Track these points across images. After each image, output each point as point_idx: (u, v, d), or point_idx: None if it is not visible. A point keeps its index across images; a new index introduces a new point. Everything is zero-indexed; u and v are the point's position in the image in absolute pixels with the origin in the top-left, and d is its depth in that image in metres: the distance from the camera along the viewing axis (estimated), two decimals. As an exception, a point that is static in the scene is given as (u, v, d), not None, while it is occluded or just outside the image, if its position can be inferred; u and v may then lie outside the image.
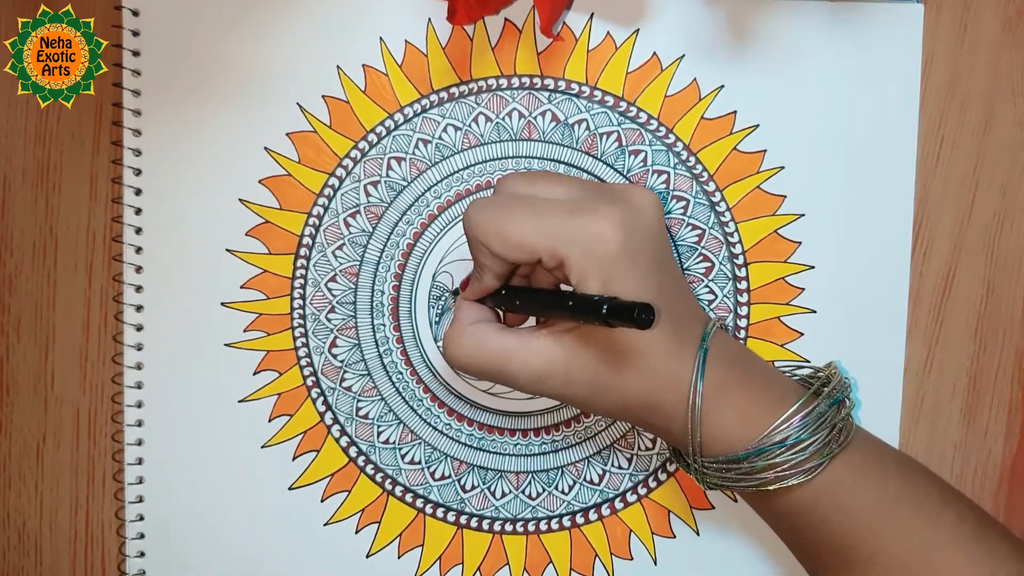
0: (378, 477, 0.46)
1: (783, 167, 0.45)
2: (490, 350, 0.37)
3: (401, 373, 0.46)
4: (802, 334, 0.45)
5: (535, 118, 0.45)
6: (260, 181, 0.45)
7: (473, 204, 0.37)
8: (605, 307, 0.32)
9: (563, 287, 0.41)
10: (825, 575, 0.39)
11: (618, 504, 0.46)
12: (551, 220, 0.35)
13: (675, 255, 0.45)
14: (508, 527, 0.46)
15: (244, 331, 0.45)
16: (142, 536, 0.46)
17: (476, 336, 0.38)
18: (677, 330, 0.36)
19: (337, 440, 0.46)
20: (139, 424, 0.45)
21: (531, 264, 0.37)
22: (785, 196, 0.45)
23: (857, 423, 0.41)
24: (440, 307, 0.45)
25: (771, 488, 0.37)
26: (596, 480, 0.46)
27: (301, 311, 0.45)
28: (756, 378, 0.38)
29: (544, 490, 0.46)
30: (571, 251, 0.35)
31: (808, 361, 0.45)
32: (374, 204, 0.45)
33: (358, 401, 0.46)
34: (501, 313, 0.41)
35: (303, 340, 0.45)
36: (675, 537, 0.46)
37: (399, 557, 0.46)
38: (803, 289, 0.45)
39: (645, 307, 0.31)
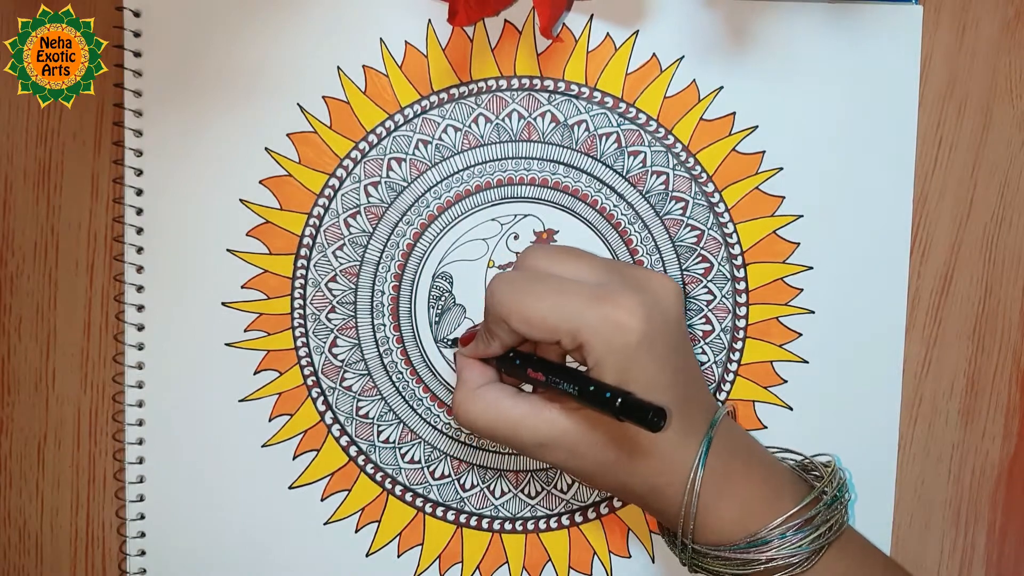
0: (378, 476, 0.46)
1: (782, 168, 0.45)
2: (502, 415, 0.38)
3: (401, 373, 0.46)
4: (800, 334, 0.45)
5: (535, 119, 0.45)
6: (261, 181, 0.45)
7: (497, 278, 0.38)
8: (619, 402, 0.32)
9: (569, 360, 0.41)
10: None
11: (616, 503, 0.46)
12: (573, 304, 0.36)
13: (690, 339, 0.45)
14: (507, 526, 0.46)
15: (245, 331, 0.45)
16: (143, 535, 0.46)
17: (487, 400, 0.38)
18: (685, 419, 0.37)
19: (337, 439, 0.46)
20: (140, 424, 0.45)
21: (549, 344, 0.37)
22: (784, 197, 0.45)
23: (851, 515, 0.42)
24: (440, 307, 0.45)
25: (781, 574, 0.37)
26: (595, 480, 0.46)
27: (301, 311, 0.45)
28: (757, 470, 0.38)
29: (543, 489, 0.46)
30: (591, 337, 0.35)
31: (807, 362, 0.45)
32: (374, 204, 0.45)
33: (358, 401, 0.46)
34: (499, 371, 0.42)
35: (303, 340, 0.45)
36: (674, 536, 0.46)
37: (399, 556, 0.46)
38: (802, 290, 0.45)
39: (658, 411, 0.32)
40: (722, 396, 0.46)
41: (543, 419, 0.37)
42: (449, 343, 0.45)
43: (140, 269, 0.45)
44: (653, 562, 0.46)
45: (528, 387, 0.42)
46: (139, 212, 0.45)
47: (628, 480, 0.37)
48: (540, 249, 0.39)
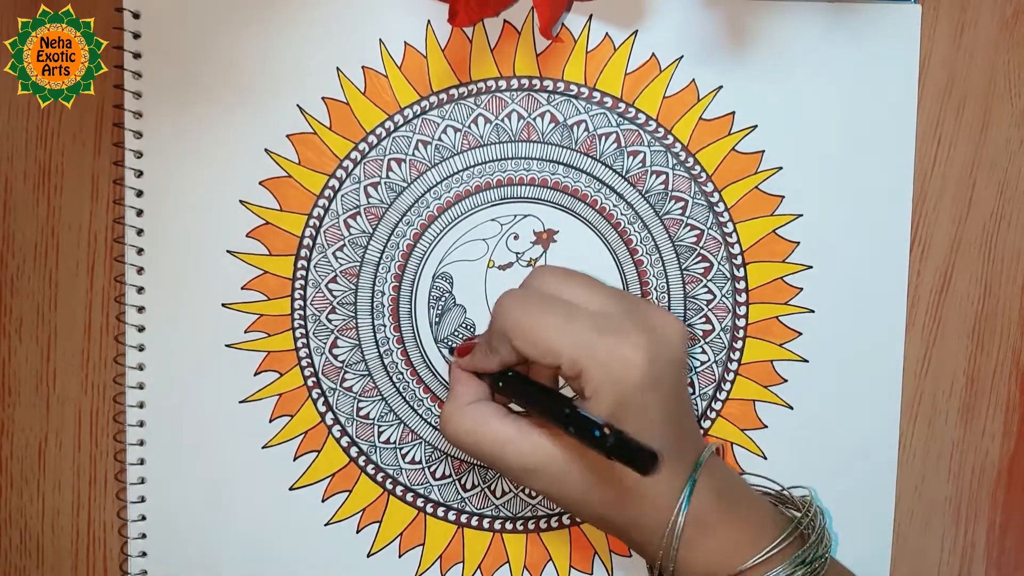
0: (379, 477, 0.46)
1: (781, 167, 0.45)
2: (488, 435, 0.38)
3: (401, 373, 0.46)
4: (800, 333, 0.45)
5: (534, 119, 0.45)
6: (260, 182, 0.45)
7: (507, 295, 0.38)
8: (610, 442, 0.32)
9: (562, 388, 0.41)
10: None
11: (618, 503, 0.46)
12: (581, 333, 0.35)
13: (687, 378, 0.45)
14: (508, 525, 0.46)
15: (245, 332, 0.45)
16: (144, 536, 0.46)
17: (475, 418, 0.38)
18: (673, 458, 0.36)
19: (338, 440, 0.46)
20: (141, 424, 0.45)
21: (548, 367, 0.37)
22: (783, 196, 0.45)
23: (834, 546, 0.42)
24: (440, 307, 0.45)
25: None
26: (596, 479, 0.46)
27: (302, 312, 0.45)
28: (741, 509, 0.38)
29: (544, 489, 0.46)
30: (593, 367, 0.35)
31: (807, 361, 0.45)
32: (374, 205, 0.45)
33: (359, 401, 0.46)
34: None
35: (304, 341, 0.45)
36: (674, 536, 0.46)
37: (400, 556, 0.46)
38: (801, 289, 0.45)
39: (651, 455, 0.31)
40: (722, 396, 0.46)
41: (531, 444, 0.37)
42: (449, 351, 0.45)
43: (140, 270, 0.45)
44: (654, 561, 0.46)
45: (518, 408, 0.41)
46: (139, 213, 0.45)
47: (609, 513, 0.37)
48: (551, 271, 0.39)
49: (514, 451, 0.37)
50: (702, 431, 0.46)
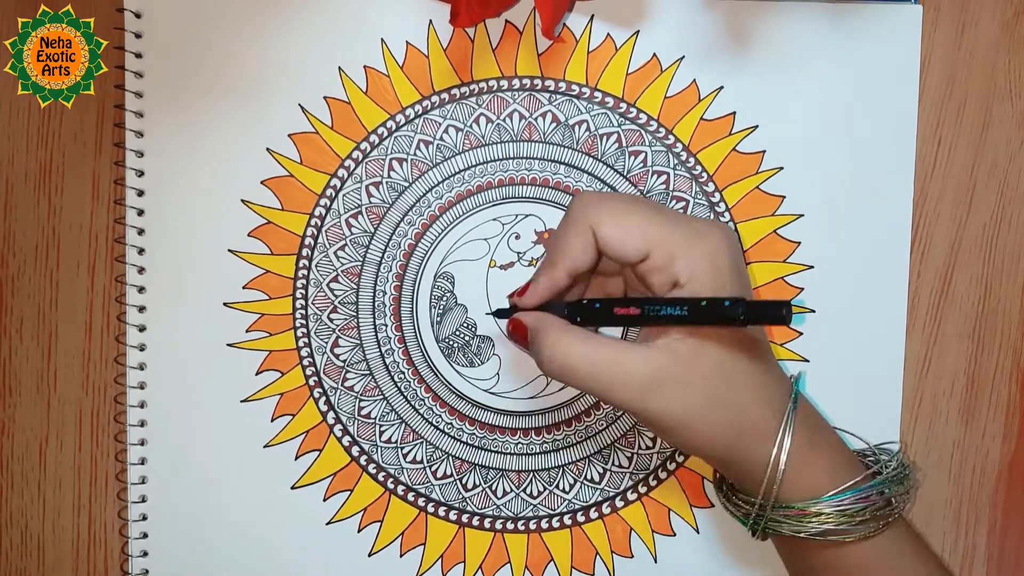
0: (380, 476, 0.46)
1: (782, 168, 0.45)
2: (602, 357, 0.35)
3: (403, 373, 0.46)
4: (801, 333, 0.45)
5: (536, 119, 0.45)
6: (262, 182, 0.45)
7: (585, 194, 0.37)
8: (742, 307, 0.32)
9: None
10: None
11: (619, 502, 0.46)
12: (669, 222, 0.36)
13: None
14: (509, 526, 0.46)
15: (246, 331, 0.45)
16: (145, 536, 0.46)
17: (582, 343, 0.35)
18: (768, 355, 0.38)
19: (339, 440, 0.46)
20: (142, 424, 0.45)
21: (626, 264, 0.36)
22: (784, 196, 0.45)
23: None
24: (441, 307, 0.45)
25: (831, 539, 0.37)
26: (597, 479, 0.46)
27: (303, 311, 0.45)
28: (836, 438, 0.39)
29: (545, 489, 0.46)
30: (689, 252, 0.35)
31: (808, 360, 0.45)
32: (376, 205, 0.45)
33: (360, 401, 0.46)
34: None
35: (305, 340, 0.45)
36: (675, 535, 0.46)
37: (401, 556, 0.46)
38: (802, 289, 0.45)
39: (784, 303, 0.31)
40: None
41: (647, 356, 0.35)
42: (498, 313, 0.43)
43: (142, 270, 0.45)
44: (656, 562, 0.46)
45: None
46: (140, 213, 0.45)
47: (728, 415, 0.36)
48: (595, 193, 0.39)
49: (635, 365, 0.35)
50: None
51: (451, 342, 0.45)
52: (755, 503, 0.37)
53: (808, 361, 0.45)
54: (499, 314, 0.43)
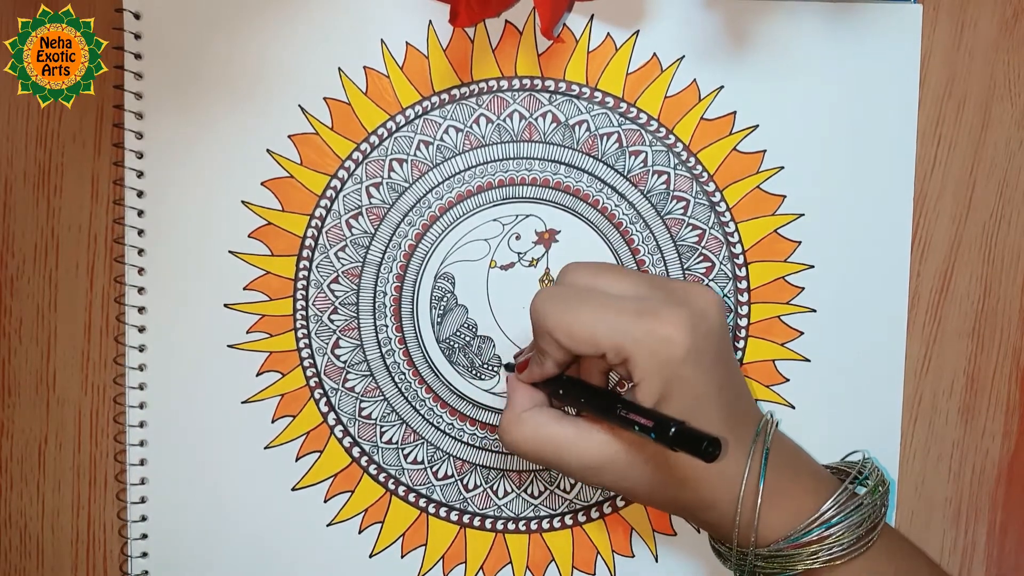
0: (381, 477, 0.46)
1: (783, 167, 0.45)
2: (547, 438, 0.38)
3: (404, 374, 0.46)
4: (802, 333, 0.46)
5: (536, 119, 0.45)
6: (262, 183, 0.45)
7: (541, 294, 0.38)
8: (672, 431, 0.33)
9: (612, 377, 0.41)
10: None
11: (619, 502, 0.46)
12: (618, 318, 0.36)
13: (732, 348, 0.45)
14: (511, 526, 0.46)
15: (247, 332, 0.45)
16: (145, 536, 0.46)
17: (533, 424, 0.39)
18: (732, 431, 0.37)
19: (340, 441, 0.46)
20: (142, 425, 0.45)
21: (593, 357, 0.37)
22: (785, 196, 0.45)
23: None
24: (442, 308, 0.45)
25: (817, 566, 0.37)
26: (597, 479, 0.46)
27: (304, 312, 0.45)
28: (804, 478, 0.39)
29: (546, 489, 0.46)
30: (637, 351, 0.35)
31: (808, 360, 0.46)
32: (376, 205, 0.45)
33: (361, 402, 0.46)
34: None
35: (306, 341, 0.45)
36: (676, 534, 0.46)
37: (402, 557, 0.46)
38: (803, 288, 0.45)
39: (713, 441, 0.32)
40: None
41: (592, 442, 0.37)
42: (506, 368, 0.45)
43: (141, 271, 0.45)
44: (656, 561, 0.46)
45: (572, 411, 0.42)
46: (140, 214, 0.45)
47: (678, 495, 0.37)
48: (580, 265, 0.39)
49: (576, 452, 0.37)
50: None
51: (452, 343, 0.45)
52: (734, 549, 0.38)
53: (809, 361, 0.46)
54: (507, 368, 0.45)
